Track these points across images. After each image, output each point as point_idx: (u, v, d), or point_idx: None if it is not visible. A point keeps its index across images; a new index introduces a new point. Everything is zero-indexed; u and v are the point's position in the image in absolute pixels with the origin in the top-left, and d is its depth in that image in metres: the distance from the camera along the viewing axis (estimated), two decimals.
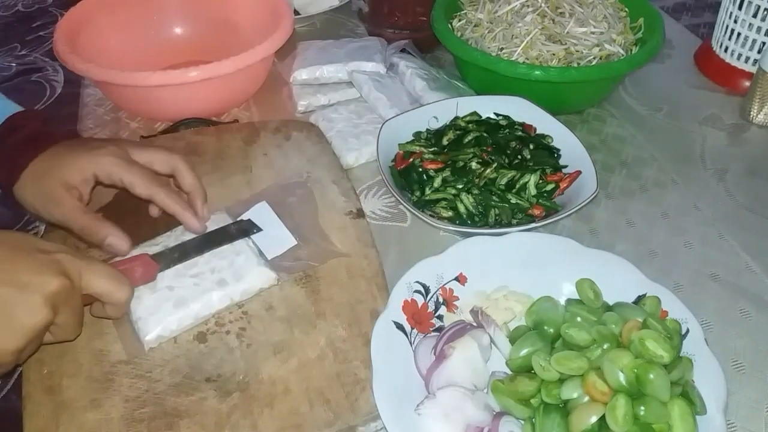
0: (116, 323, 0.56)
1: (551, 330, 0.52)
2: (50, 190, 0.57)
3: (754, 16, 0.84)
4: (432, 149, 0.72)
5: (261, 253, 0.61)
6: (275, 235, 0.63)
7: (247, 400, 0.51)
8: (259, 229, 0.63)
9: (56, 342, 0.50)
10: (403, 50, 0.89)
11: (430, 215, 0.67)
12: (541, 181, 0.69)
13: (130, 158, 0.60)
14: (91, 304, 0.52)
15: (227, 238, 0.61)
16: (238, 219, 0.63)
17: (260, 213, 0.64)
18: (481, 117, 0.77)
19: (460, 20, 0.89)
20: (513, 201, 0.67)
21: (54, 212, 0.57)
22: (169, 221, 0.61)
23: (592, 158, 0.69)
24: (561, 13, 0.85)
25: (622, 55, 0.82)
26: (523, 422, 0.49)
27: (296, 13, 1.03)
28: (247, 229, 0.62)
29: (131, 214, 0.64)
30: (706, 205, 0.72)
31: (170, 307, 0.55)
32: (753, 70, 0.86)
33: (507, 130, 0.75)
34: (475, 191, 0.68)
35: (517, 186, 0.69)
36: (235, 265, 0.58)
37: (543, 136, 0.75)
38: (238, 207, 0.66)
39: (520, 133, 0.74)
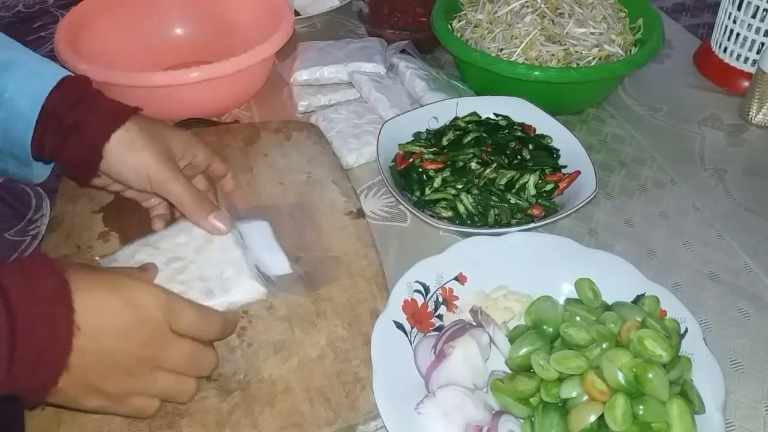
0: None
1: (550, 329, 0.53)
2: (155, 151, 0.56)
3: (753, 16, 0.84)
4: (432, 149, 0.72)
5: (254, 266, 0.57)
6: (271, 259, 0.60)
7: (247, 399, 0.51)
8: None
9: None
10: (403, 51, 0.89)
11: (430, 215, 0.67)
12: (540, 181, 0.69)
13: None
14: None
15: None
16: None
17: (259, 231, 0.62)
18: (480, 117, 0.77)
19: (459, 21, 0.89)
20: (512, 201, 0.67)
21: (154, 175, 0.55)
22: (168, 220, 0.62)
23: (591, 158, 0.70)
24: (560, 13, 0.86)
25: (622, 56, 0.83)
26: (522, 421, 0.49)
27: (296, 13, 1.04)
28: None
29: (131, 213, 0.64)
30: (705, 205, 0.73)
31: None
32: (752, 70, 0.86)
33: (506, 131, 0.75)
34: (475, 191, 0.68)
35: (517, 186, 0.69)
36: (224, 275, 0.54)
37: (542, 137, 0.75)
38: (236, 212, 0.64)
39: (519, 133, 0.75)
